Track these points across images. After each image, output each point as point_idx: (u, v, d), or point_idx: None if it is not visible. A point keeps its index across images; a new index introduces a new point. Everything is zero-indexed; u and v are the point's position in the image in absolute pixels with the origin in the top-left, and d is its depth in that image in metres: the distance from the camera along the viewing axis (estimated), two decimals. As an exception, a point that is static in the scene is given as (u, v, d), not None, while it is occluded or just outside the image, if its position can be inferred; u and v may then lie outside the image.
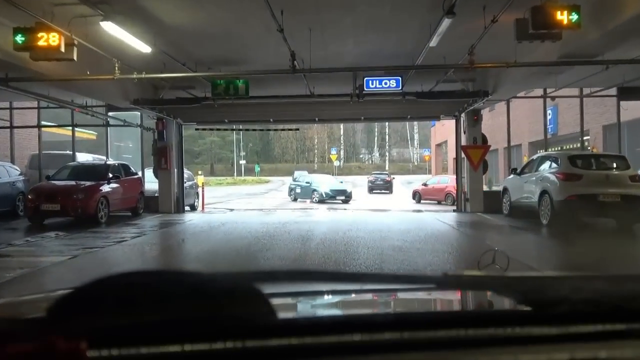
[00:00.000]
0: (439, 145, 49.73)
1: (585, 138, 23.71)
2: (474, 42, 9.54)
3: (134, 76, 10.01)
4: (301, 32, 9.60)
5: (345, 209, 19.93)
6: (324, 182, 27.46)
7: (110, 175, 14.55)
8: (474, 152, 16.06)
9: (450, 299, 1.30)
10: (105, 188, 14.06)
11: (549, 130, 25.25)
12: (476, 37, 9.54)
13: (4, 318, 0.92)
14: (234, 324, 0.70)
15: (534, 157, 14.59)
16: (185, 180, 18.92)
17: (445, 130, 45.76)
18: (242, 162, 63.56)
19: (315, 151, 78.88)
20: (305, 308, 1.25)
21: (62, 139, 24.97)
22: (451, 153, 44.44)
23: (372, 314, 1.13)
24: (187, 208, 19.06)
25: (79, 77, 9.76)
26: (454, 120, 17.32)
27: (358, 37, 10.91)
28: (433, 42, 9.21)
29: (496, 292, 1.07)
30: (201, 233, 11.76)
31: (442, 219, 14.58)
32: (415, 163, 73.61)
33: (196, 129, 20.03)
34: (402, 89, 12.51)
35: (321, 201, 25.08)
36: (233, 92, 12.66)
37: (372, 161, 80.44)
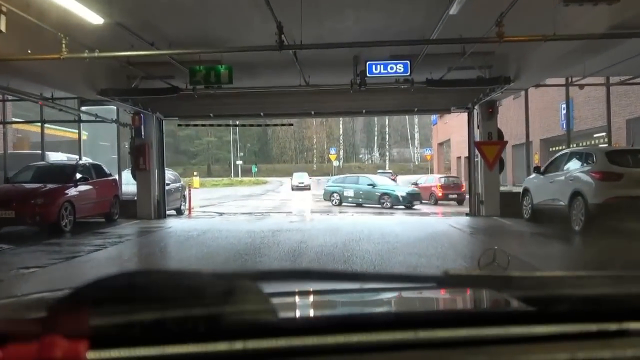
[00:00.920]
0: (441, 144, 48.13)
1: (599, 134, 21.95)
2: (503, 11, 7.79)
3: (85, 55, 8.23)
4: (291, 2, 7.82)
5: (344, 213, 18.16)
6: (396, 185, 23.68)
7: (78, 177, 12.80)
8: (489, 148, 14.29)
9: (451, 298, 1.28)
10: (71, 192, 12.31)
11: (563, 127, 23.56)
12: (503, 7, 7.81)
13: (4, 318, 0.93)
14: (234, 324, 0.70)
15: (561, 153, 12.83)
16: (169, 182, 17.24)
17: (448, 128, 44.09)
18: (239, 162, 61.93)
19: (314, 151, 77.42)
20: (305, 307, 1.24)
21: (54, 139, 23.33)
22: (454, 152, 42.91)
23: (372, 313, 1.13)
24: (172, 212, 17.46)
25: (16, 58, 7.97)
26: (466, 114, 15.57)
27: (359, 12, 9.15)
28: (453, 10, 7.47)
29: (497, 291, 1.05)
30: (174, 245, 10.00)
31: (455, 225, 12.82)
32: (416, 163, 72.10)
33: (179, 125, 18.24)
34: (410, 74, 10.74)
35: (393, 206, 20.69)
36: (214, 79, 10.90)
37: (372, 161, 79.12)
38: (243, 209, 21.47)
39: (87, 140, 26.56)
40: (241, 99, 13.65)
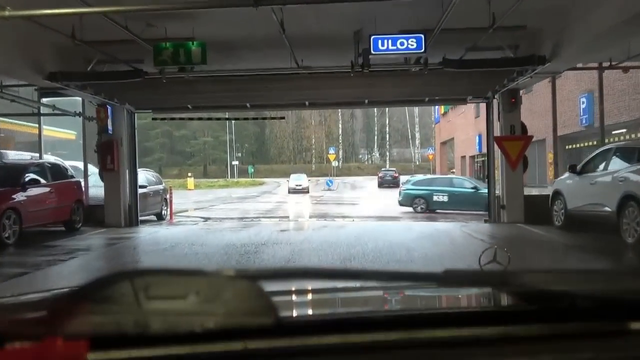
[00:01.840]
0: (444, 143, 46.36)
1: (619, 131, 19.92)
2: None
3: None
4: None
5: (343, 218, 16.15)
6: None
7: (28, 179, 10.79)
8: (512, 144, 12.29)
9: (452, 297, 1.28)
10: (17, 196, 10.30)
11: (582, 122, 21.56)
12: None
13: (4, 318, 0.92)
14: (234, 323, 0.70)
15: (603, 148, 10.81)
16: (147, 184, 15.31)
17: (451, 126, 42.17)
18: (235, 162, 60.03)
19: (313, 151, 75.52)
20: (305, 306, 1.25)
21: (45, 139, 21.47)
22: (459, 151, 40.96)
23: (372, 312, 1.12)
24: (152, 218, 15.58)
25: None
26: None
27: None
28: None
29: (497, 289, 1.05)
30: (129, 265, 7.94)
31: (475, 235, 10.81)
32: (417, 163, 70.44)
33: (153, 119, 16.20)
34: (425, 51, 8.70)
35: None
36: (184, 59, 8.89)
37: (372, 161, 77.51)
38: (232, 213, 19.61)
39: (76, 141, 24.67)
40: (222, 85, 11.56)
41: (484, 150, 32.47)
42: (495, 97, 12.48)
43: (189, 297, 0.69)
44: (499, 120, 12.67)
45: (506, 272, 1.14)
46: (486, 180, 14.34)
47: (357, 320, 0.84)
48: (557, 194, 11.49)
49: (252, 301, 0.71)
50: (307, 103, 13.00)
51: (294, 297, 1.20)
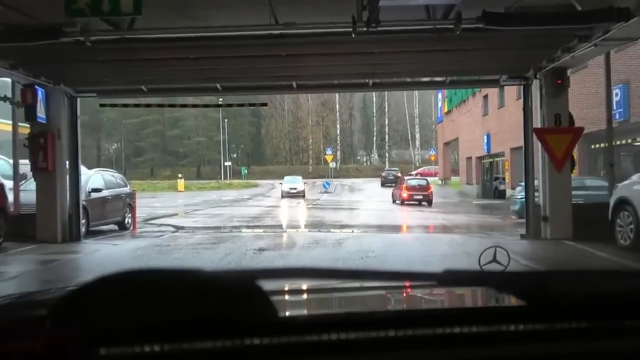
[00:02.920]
0: (447, 144, 43.87)
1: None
2: None
3: None
4: None
5: (341, 229, 13.34)
6: None
7: None
8: (557, 139, 9.52)
9: (452, 296, 1.29)
10: None
11: (616, 117, 18.77)
12: None
13: (7, 316, 0.92)
14: (234, 322, 0.70)
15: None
16: (104, 187, 12.70)
17: (455, 126, 39.61)
18: (228, 163, 57.36)
19: (310, 152, 73.04)
20: (305, 305, 1.25)
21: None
22: (464, 152, 38.32)
23: (372, 312, 1.11)
24: (114, 227, 13.02)
25: None
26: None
27: None
28: None
29: (497, 289, 1.04)
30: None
31: (516, 258, 7.99)
32: (417, 165, 68.11)
33: (101, 105, 13.31)
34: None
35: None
36: (109, 7, 6.07)
37: (370, 163, 75.27)
38: (212, 220, 17.07)
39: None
40: (176, 53, 8.48)
41: (493, 150, 29.93)
42: (537, 76, 9.67)
43: (190, 295, 0.68)
44: (541, 108, 9.89)
45: (506, 273, 1.14)
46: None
47: (356, 319, 0.83)
48: (623, 203, 8.70)
49: (251, 300, 0.70)
50: (294, 84, 10.07)
51: (293, 296, 1.21)
